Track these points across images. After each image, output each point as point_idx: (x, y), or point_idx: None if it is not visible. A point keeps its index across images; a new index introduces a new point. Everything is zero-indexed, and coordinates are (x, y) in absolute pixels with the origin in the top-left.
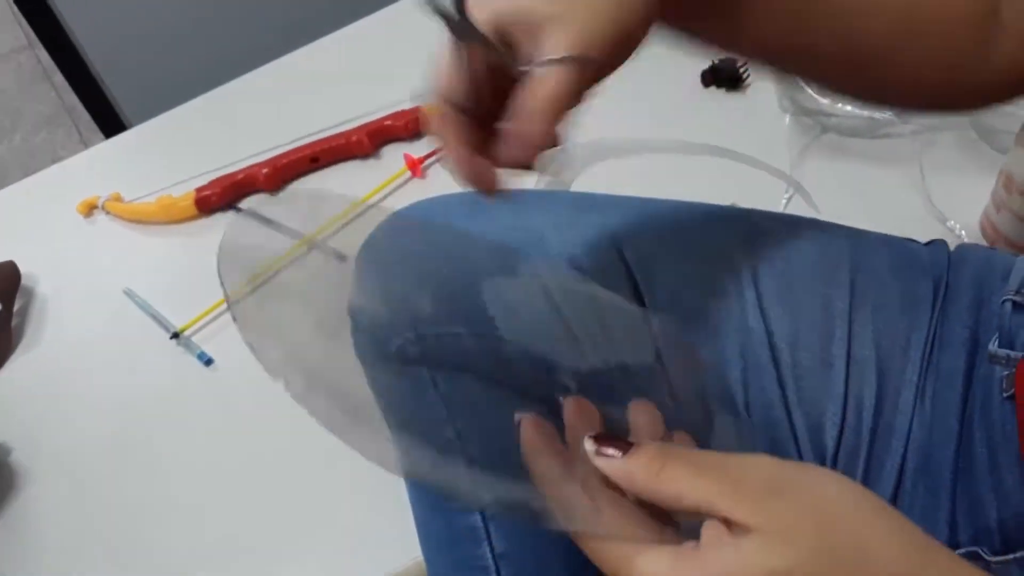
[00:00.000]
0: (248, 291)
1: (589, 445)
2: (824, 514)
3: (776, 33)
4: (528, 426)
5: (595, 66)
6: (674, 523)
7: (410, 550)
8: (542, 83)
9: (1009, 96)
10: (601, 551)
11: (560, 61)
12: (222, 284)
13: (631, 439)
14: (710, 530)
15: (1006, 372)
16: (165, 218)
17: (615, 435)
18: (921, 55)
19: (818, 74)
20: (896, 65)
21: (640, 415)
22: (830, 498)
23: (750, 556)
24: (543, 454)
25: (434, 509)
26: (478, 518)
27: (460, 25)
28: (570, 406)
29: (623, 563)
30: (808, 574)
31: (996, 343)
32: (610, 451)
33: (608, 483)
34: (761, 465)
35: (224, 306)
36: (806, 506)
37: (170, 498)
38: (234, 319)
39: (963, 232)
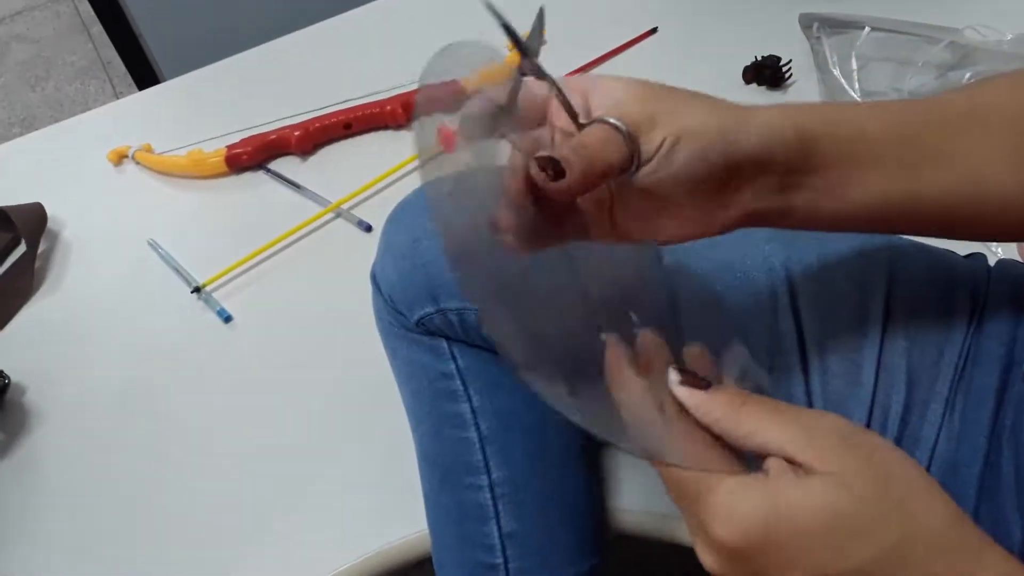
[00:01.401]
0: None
1: (673, 375)
2: (882, 471)
3: (877, 207)
4: (613, 347)
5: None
6: (740, 457)
7: (416, 522)
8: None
9: None
10: (679, 479)
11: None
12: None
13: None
14: (775, 464)
15: None
16: (195, 172)
17: (694, 372)
18: None
19: (941, 234)
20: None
21: (650, 345)
22: (890, 459)
23: (814, 491)
24: (629, 379)
25: (443, 483)
26: (488, 496)
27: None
28: (647, 338)
29: (702, 492)
30: (857, 518)
31: None
32: (693, 384)
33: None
34: (833, 419)
35: (246, 264)
36: (868, 460)
37: (178, 451)
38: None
39: (999, 249)
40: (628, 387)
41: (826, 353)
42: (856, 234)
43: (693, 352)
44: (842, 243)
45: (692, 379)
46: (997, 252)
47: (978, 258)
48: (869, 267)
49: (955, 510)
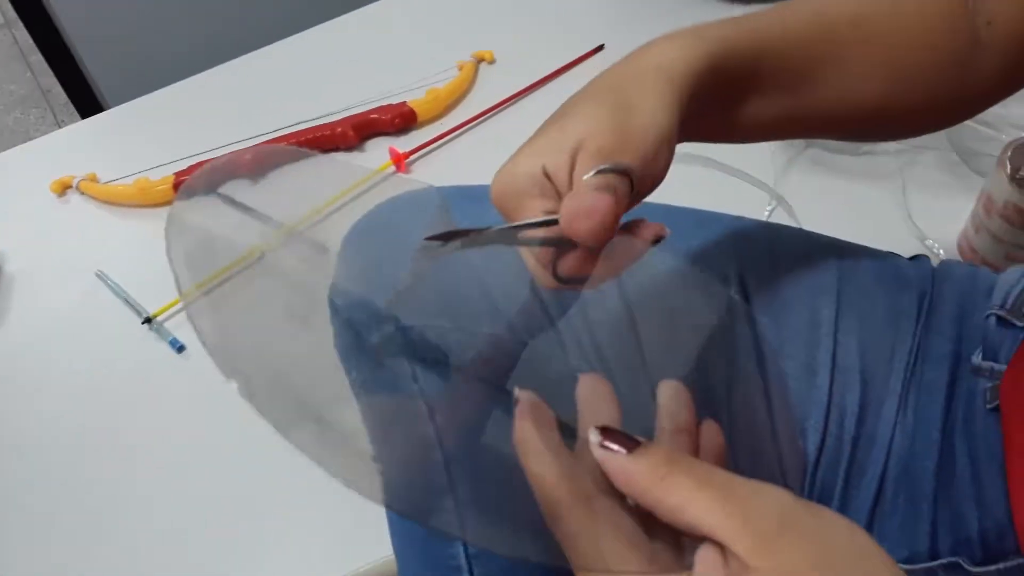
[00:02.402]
0: (207, 287)
1: (593, 436)
2: (826, 565)
3: (770, 126)
4: (525, 409)
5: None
6: (667, 535)
7: (382, 545)
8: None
9: (996, 101)
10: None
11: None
12: (176, 282)
13: (658, 422)
14: (704, 561)
15: (990, 384)
16: (142, 201)
17: (624, 432)
18: (913, 103)
19: (815, 136)
20: (889, 119)
21: (669, 396)
22: (837, 548)
23: None
24: (538, 451)
25: None
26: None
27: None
28: (586, 384)
29: None
30: None
31: (980, 356)
32: (614, 446)
33: (606, 485)
34: (775, 499)
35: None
36: (810, 554)
37: (134, 487)
38: (190, 318)
39: (941, 251)
40: (532, 458)
41: (781, 357)
42: (805, 241)
43: (667, 391)
44: (792, 249)
45: (614, 437)
46: (940, 253)
47: (922, 260)
48: (819, 273)
49: None
